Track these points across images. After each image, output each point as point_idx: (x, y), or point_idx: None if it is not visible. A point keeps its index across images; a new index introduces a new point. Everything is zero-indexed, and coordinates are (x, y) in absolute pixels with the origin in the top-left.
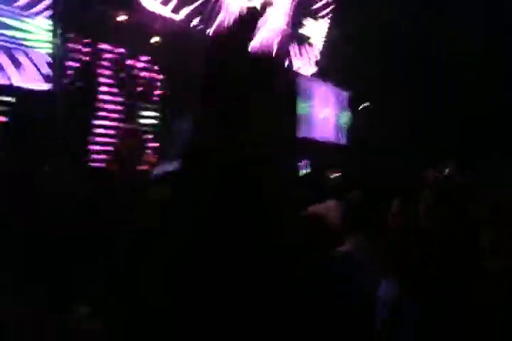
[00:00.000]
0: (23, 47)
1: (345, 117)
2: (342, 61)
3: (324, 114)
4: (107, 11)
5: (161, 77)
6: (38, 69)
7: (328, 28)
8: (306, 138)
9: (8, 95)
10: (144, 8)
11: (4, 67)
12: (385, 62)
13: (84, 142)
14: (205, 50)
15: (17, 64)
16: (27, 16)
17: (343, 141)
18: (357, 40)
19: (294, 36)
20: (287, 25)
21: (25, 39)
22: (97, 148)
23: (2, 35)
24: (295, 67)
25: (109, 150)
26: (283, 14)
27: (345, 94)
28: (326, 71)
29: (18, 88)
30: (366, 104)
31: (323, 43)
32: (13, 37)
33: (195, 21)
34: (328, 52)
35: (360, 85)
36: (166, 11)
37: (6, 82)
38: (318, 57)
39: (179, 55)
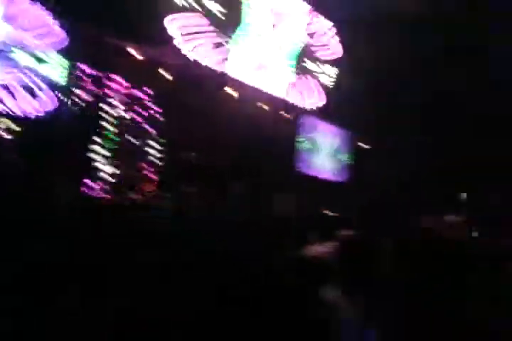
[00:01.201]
0: (38, 79)
1: (347, 156)
2: (347, 103)
3: (326, 151)
4: (121, 45)
5: (165, 111)
6: (48, 98)
7: (336, 72)
8: (305, 175)
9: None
10: (159, 44)
11: (18, 97)
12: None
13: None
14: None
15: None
16: (45, 50)
17: (342, 179)
18: (361, 84)
19: (301, 80)
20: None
21: (40, 71)
22: (96, 174)
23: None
24: (301, 106)
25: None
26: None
27: (348, 133)
28: (331, 111)
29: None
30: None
31: (330, 85)
32: (31, 69)
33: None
34: (335, 93)
35: (362, 126)
36: (185, 49)
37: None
38: (325, 98)
39: (186, 90)
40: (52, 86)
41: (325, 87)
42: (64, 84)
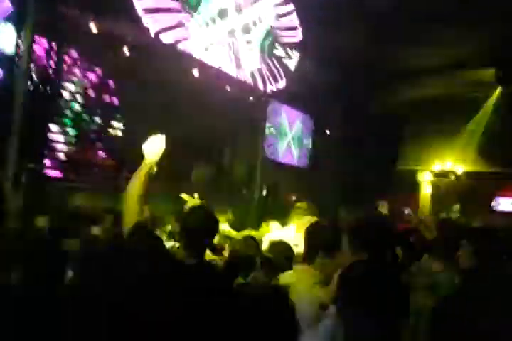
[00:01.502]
0: None
1: (310, 141)
2: (310, 88)
3: (289, 137)
4: (77, 16)
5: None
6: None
7: (299, 55)
8: (270, 160)
9: None
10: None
11: None
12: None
13: (39, 146)
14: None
15: None
16: None
17: (306, 164)
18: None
19: (266, 64)
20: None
21: None
22: (54, 154)
23: None
24: (266, 90)
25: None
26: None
27: (310, 118)
28: (294, 96)
29: None
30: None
31: (293, 70)
32: None
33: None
34: (298, 79)
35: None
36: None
37: None
38: (287, 83)
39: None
40: (2, 58)
41: (289, 71)
42: (15, 55)
